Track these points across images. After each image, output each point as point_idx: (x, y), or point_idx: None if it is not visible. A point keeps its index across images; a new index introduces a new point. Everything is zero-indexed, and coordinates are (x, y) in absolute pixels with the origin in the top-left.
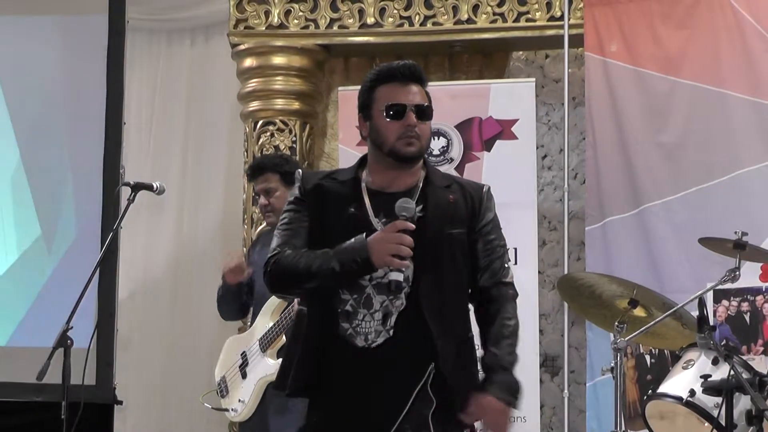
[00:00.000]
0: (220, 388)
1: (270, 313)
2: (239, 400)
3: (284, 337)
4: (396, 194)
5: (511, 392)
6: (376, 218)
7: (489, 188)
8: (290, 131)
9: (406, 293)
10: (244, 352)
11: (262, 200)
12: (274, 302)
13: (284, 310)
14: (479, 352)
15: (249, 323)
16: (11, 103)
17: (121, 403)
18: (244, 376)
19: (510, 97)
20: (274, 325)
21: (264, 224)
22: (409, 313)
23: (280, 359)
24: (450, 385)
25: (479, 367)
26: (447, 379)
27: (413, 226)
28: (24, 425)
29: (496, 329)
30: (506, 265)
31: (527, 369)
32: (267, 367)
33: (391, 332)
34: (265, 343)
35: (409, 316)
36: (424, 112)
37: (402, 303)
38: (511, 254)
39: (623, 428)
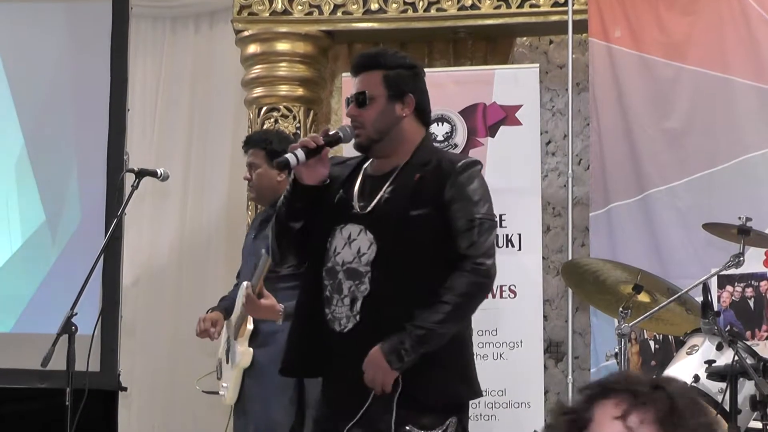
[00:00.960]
0: (217, 371)
1: (240, 301)
2: (223, 385)
3: (250, 324)
4: (377, 177)
5: (397, 353)
6: (358, 201)
7: (468, 162)
8: (294, 117)
9: (369, 278)
10: (228, 337)
11: (246, 174)
12: (243, 290)
13: None
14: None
15: None
16: (15, 89)
17: (125, 389)
18: (227, 360)
19: (514, 82)
20: (241, 312)
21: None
22: (372, 297)
23: (250, 348)
24: (415, 369)
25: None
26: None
27: (321, 140)
28: (28, 412)
29: (431, 301)
30: (475, 239)
31: (531, 355)
32: (238, 353)
33: (358, 317)
34: (235, 331)
35: (373, 301)
36: (361, 99)
37: (366, 288)
38: (515, 240)
39: None
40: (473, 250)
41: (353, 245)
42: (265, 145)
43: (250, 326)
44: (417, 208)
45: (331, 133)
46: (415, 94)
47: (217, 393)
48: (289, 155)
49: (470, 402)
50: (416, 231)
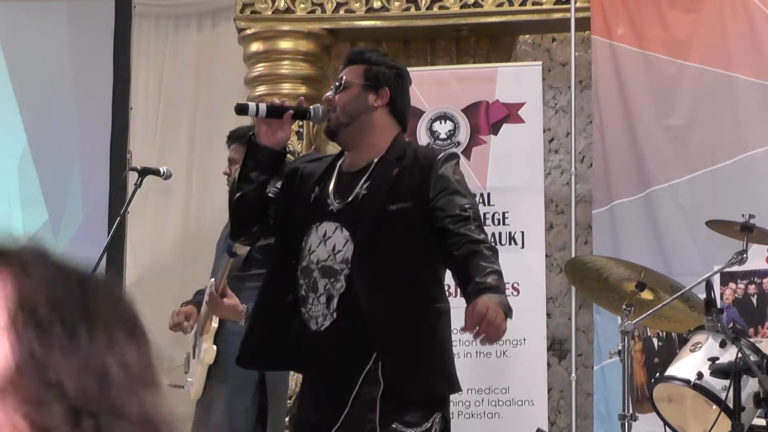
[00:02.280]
0: (185, 364)
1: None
2: (188, 379)
3: (215, 322)
4: (352, 174)
5: (502, 304)
6: (334, 198)
7: (447, 153)
8: None
9: (345, 275)
10: (196, 332)
11: (225, 168)
12: (208, 287)
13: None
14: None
15: None
16: (18, 88)
17: None
18: (194, 355)
19: (517, 80)
20: (206, 309)
21: None
22: (349, 295)
23: (214, 345)
24: (394, 367)
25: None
26: (387, 360)
27: (287, 104)
28: None
29: (474, 265)
30: (473, 229)
31: (534, 352)
32: (202, 350)
33: (335, 315)
34: (200, 327)
35: (349, 299)
36: (338, 85)
37: (342, 285)
38: (518, 238)
39: (631, 411)
40: (477, 236)
41: (328, 243)
42: (244, 141)
43: (214, 324)
44: (395, 202)
45: (303, 105)
46: (392, 91)
47: (183, 387)
48: (250, 103)
49: (474, 400)
50: (394, 226)
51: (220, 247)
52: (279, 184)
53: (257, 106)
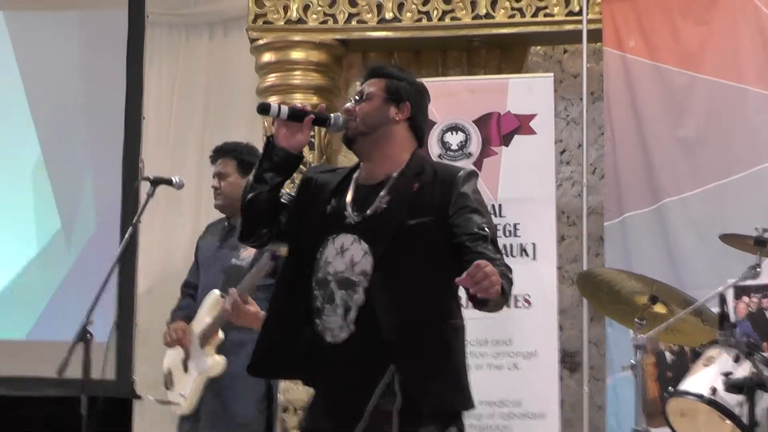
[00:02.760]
0: (166, 380)
1: (208, 309)
2: (180, 394)
3: (221, 333)
4: (370, 187)
5: (507, 279)
6: (352, 211)
7: (468, 171)
8: None
9: (364, 287)
10: (186, 346)
11: (214, 182)
12: (211, 298)
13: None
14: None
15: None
16: (32, 98)
17: (140, 397)
18: (185, 369)
19: (528, 92)
20: (213, 322)
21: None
22: (367, 307)
23: (218, 356)
24: (412, 380)
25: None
26: (405, 374)
27: (309, 108)
28: (43, 419)
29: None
30: (490, 248)
31: (546, 365)
32: (205, 363)
33: (353, 327)
34: (203, 339)
35: (367, 311)
36: (359, 96)
37: (360, 297)
38: (529, 249)
39: (644, 426)
40: (493, 255)
41: (346, 255)
42: (236, 155)
43: (221, 335)
44: (415, 217)
45: (324, 112)
46: (413, 106)
47: (170, 403)
48: (273, 104)
49: (486, 413)
50: (413, 240)
51: (209, 260)
52: (293, 192)
53: (279, 108)
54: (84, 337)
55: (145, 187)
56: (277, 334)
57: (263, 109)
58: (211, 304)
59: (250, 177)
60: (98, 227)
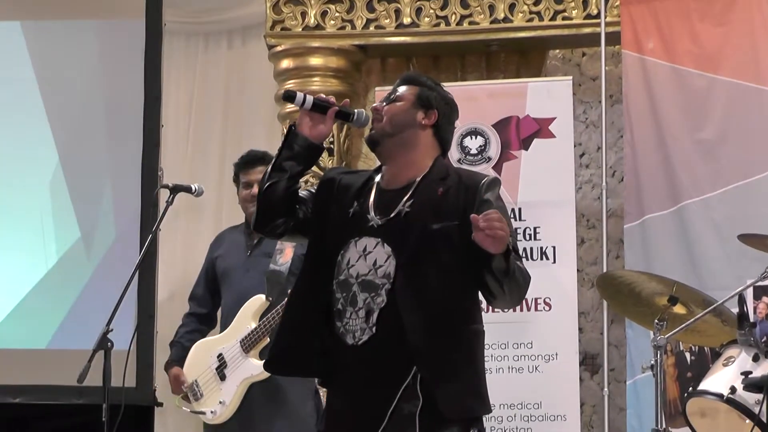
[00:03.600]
0: (193, 392)
1: (252, 314)
2: (219, 402)
3: (268, 338)
4: (393, 191)
5: (514, 247)
6: (375, 214)
7: (491, 179)
8: None
9: (386, 290)
10: (220, 354)
11: (251, 191)
12: (255, 304)
13: (266, 312)
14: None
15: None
16: (49, 107)
17: (161, 404)
18: (222, 377)
19: (547, 95)
20: (257, 326)
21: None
22: (389, 310)
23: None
24: (434, 383)
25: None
26: (428, 377)
27: (334, 101)
28: (65, 428)
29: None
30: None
31: (567, 367)
32: (252, 367)
33: (374, 329)
34: (248, 345)
35: (390, 313)
36: (389, 97)
37: (383, 300)
38: (549, 252)
39: (664, 426)
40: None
41: (368, 258)
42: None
43: (267, 339)
44: (439, 221)
45: (348, 107)
46: (440, 115)
47: (203, 413)
48: (299, 93)
49: (506, 415)
50: (437, 244)
51: (240, 268)
52: (312, 188)
53: (305, 97)
54: (104, 345)
55: (164, 195)
56: (295, 332)
57: (288, 96)
58: (254, 309)
59: (268, 167)
60: (118, 236)
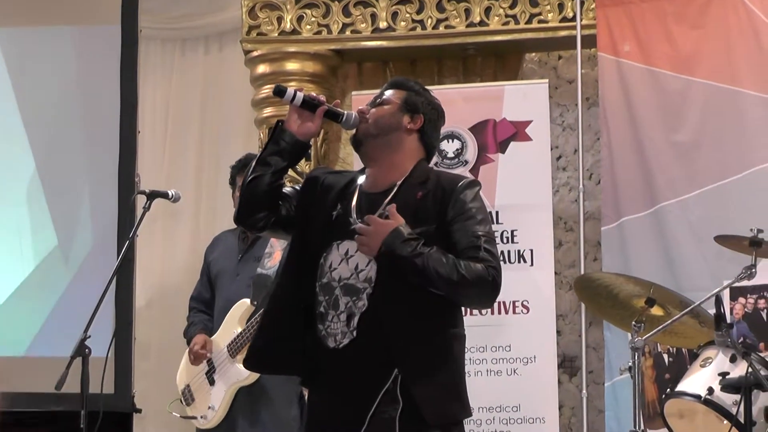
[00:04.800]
0: (185, 396)
1: (238, 319)
2: (209, 407)
3: None
4: (375, 194)
5: (403, 241)
6: (357, 218)
7: (469, 180)
8: None
9: (368, 294)
10: (209, 358)
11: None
12: (241, 308)
13: (251, 317)
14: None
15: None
16: (25, 113)
17: (140, 411)
18: (211, 382)
19: (524, 98)
20: (243, 331)
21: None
22: (370, 314)
23: None
24: (415, 387)
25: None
26: (409, 381)
27: (324, 100)
28: None
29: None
30: (483, 255)
31: (545, 370)
32: (238, 373)
33: (355, 333)
34: (234, 349)
35: (371, 318)
36: (376, 101)
37: (364, 304)
38: (527, 256)
39: (642, 427)
40: (483, 258)
41: (350, 261)
42: None
43: None
44: (419, 225)
45: (338, 107)
46: (426, 120)
47: (194, 418)
48: (289, 89)
49: (485, 418)
50: None
51: (229, 271)
52: (296, 186)
53: (294, 94)
54: (82, 351)
55: (141, 202)
56: (275, 331)
57: (279, 91)
58: (240, 314)
59: (254, 161)
60: (95, 242)
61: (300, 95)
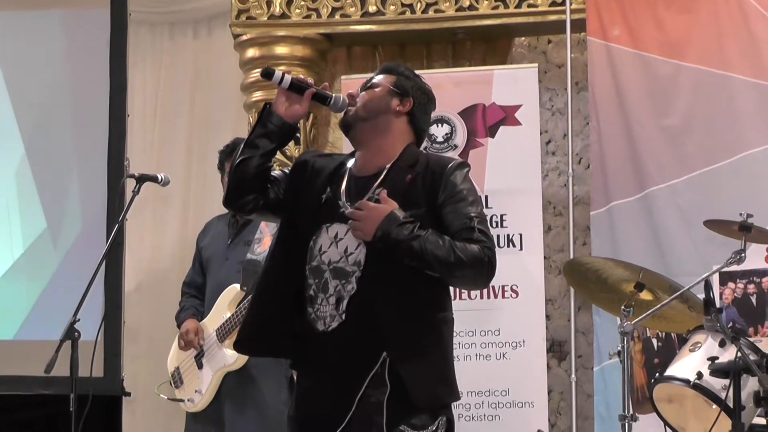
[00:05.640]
0: (174, 379)
1: (227, 304)
2: (196, 391)
3: None
4: (364, 178)
5: (399, 225)
6: (346, 201)
7: (458, 162)
8: None
9: (356, 277)
10: (200, 343)
11: None
12: (231, 294)
13: (241, 302)
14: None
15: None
16: (15, 98)
17: (129, 394)
18: (200, 366)
19: (513, 83)
20: (232, 316)
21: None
22: (359, 297)
23: None
24: (403, 371)
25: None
26: (397, 364)
27: (312, 83)
28: (33, 418)
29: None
30: (477, 236)
31: (534, 354)
32: (225, 357)
33: (344, 316)
34: (222, 334)
35: (359, 301)
36: (366, 85)
37: (353, 287)
38: (516, 240)
39: (631, 412)
40: (477, 239)
41: (340, 245)
42: None
43: None
44: (408, 208)
45: (326, 90)
46: (416, 104)
47: (182, 401)
48: (277, 71)
49: (474, 403)
50: None
51: (219, 255)
52: (285, 169)
53: (282, 76)
54: (71, 335)
55: (130, 185)
56: (264, 313)
57: (267, 73)
58: (230, 299)
59: (243, 144)
60: (84, 226)
61: (288, 77)
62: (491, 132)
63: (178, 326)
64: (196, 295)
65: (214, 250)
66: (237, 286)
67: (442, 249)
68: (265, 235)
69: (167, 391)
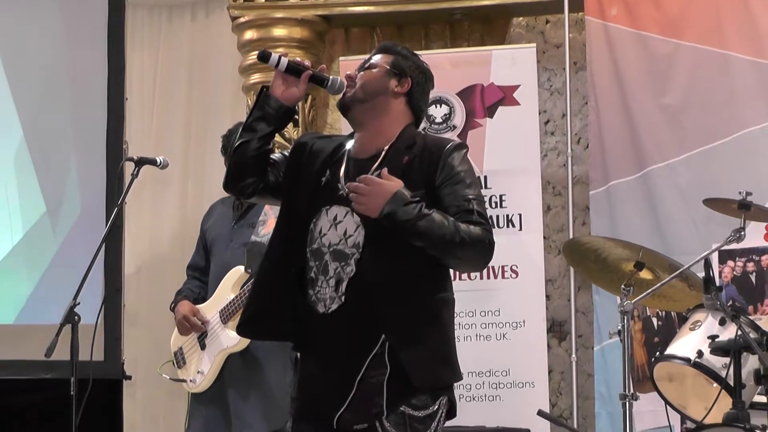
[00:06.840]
0: (177, 359)
1: (231, 286)
2: (198, 371)
3: None
4: (363, 160)
5: (406, 204)
6: (345, 183)
7: (456, 143)
8: None
9: (355, 259)
10: (202, 322)
11: None
12: (235, 275)
13: (245, 283)
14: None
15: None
16: (13, 81)
17: (129, 378)
18: (203, 347)
19: (511, 63)
20: (236, 297)
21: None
22: (358, 279)
23: None
24: (402, 352)
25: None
26: (396, 346)
27: (309, 66)
28: (34, 402)
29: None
30: (475, 218)
31: (534, 334)
32: (228, 339)
33: (343, 298)
34: (226, 315)
35: (359, 283)
36: (364, 65)
37: (352, 270)
38: (516, 220)
39: (632, 391)
40: (476, 222)
41: (339, 227)
42: None
43: None
44: (407, 190)
45: (324, 72)
46: (414, 83)
47: (184, 381)
48: (274, 54)
49: (475, 383)
50: None
51: (224, 237)
52: (285, 152)
53: (279, 59)
54: (72, 318)
55: (129, 169)
56: (267, 297)
57: (263, 56)
58: (234, 281)
59: (241, 127)
60: (83, 209)
61: (285, 60)
62: (490, 112)
63: (172, 310)
64: (198, 276)
65: (219, 232)
66: (241, 267)
67: (448, 229)
68: (270, 217)
69: (169, 371)
